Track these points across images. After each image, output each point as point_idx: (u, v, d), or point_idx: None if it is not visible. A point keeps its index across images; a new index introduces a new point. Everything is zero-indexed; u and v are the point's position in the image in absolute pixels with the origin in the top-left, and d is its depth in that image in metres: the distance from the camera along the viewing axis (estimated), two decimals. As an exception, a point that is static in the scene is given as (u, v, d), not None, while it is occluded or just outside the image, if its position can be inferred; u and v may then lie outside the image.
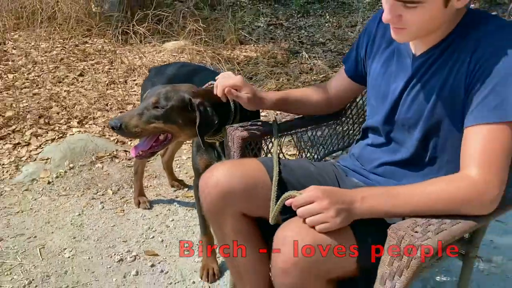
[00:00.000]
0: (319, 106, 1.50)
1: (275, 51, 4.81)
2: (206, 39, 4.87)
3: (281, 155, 1.52)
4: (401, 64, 1.22)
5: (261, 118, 1.67)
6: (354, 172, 1.39)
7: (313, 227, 1.01)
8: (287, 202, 1.06)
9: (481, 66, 1.02)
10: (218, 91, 1.36)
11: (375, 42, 1.32)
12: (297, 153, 1.64)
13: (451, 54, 1.09)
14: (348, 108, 1.67)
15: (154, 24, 4.78)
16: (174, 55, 4.50)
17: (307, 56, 4.50)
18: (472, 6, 6.72)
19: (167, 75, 1.98)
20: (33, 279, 1.77)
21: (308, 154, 1.65)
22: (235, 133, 1.44)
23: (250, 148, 1.47)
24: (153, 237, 2.07)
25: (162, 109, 1.48)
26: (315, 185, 1.05)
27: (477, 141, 1.03)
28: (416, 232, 0.98)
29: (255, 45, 5.02)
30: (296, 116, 1.55)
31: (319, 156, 1.67)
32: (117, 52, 4.36)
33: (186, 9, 6.04)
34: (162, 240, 2.05)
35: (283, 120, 1.53)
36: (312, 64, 4.41)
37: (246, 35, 5.24)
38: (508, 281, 1.88)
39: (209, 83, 1.57)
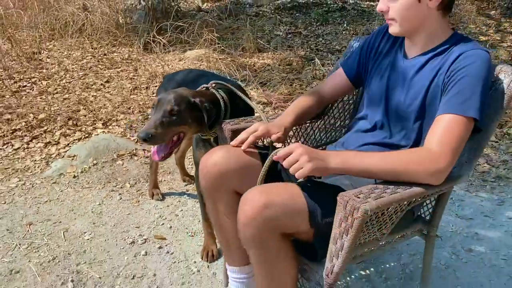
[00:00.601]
0: (316, 109, 1.72)
1: (291, 58, 5.03)
2: (226, 47, 5.15)
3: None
4: (397, 66, 1.48)
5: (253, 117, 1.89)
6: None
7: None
8: (275, 158, 1.28)
9: (456, 73, 1.30)
10: (244, 145, 1.45)
11: (378, 49, 1.58)
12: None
13: (438, 62, 1.37)
14: (336, 106, 1.88)
15: (177, 34, 5.09)
16: (195, 63, 4.78)
17: (320, 63, 4.69)
18: (492, 12, 6.76)
19: (177, 81, 2.23)
20: (56, 256, 2.04)
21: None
22: (226, 126, 1.67)
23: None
24: (163, 224, 2.31)
25: (177, 114, 1.67)
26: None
27: (442, 125, 1.28)
28: (359, 197, 1.17)
29: (272, 53, 5.26)
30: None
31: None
32: (142, 60, 4.68)
33: (210, 20, 6.35)
34: (171, 227, 2.28)
35: (272, 119, 1.75)
36: (325, 70, 4.60)
37: (264, 43, 5.48)
38: (484, 268, 2.02)
39: (202, 86, 1.80)
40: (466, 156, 1.39)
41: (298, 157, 1.22)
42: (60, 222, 2.31)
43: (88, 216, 2.37)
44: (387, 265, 2.03)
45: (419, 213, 1.62)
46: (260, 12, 7.34)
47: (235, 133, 1.64)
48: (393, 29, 1.41)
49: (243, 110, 1.81)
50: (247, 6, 7.83)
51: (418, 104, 1.39)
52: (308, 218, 1.25)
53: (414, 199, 1.33)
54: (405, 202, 1.31)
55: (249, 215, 1.21)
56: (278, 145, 1.54)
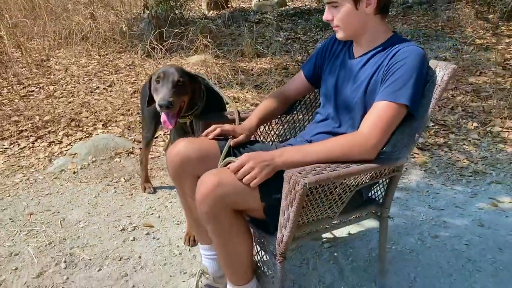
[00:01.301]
0: (282, 109, 1.93)
1: (288, 63, 5.21)
2: (226, 53, 5.36)
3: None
4: (346, 64, 1.68)
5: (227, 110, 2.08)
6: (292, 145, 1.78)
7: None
8: (227, 167, 1.45)
9: (393, 66, 1.50)
10: (208, 130, 1.69)
11: (331, 52, 1.79)
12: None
13: (378, 59, 1.57)
14: (302, 103, 2.06)
15: (178, 40, 5.31)
16: (195, 68, 4.99)
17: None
18: (490, 16, 6.85)
19: None
20: (52, 241, 2.24)
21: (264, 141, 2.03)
22: (200, 121, 1.86)
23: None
24: (152, 214, 2.51)
25: (182, 85, 1.84)
26: (245, 153, 1.45)
27: (375, 111, 1.48)
28: (301, 173, 1.35)
29: (271, 58, 5.45)
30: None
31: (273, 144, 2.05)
32: (144, 66, 4.91)
33: (212, 26, 6.58)
34: (159, 216, 2.48)
35: (244, 114, 1.94)
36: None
37: (264, 48, 5.68)
38: (446, 251, 2.17)
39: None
40: (405, 141, 1.55)
41: (249, 170, 1.39)
42: (59, 212, 2.52)
43: (84, 207, 2.57)
44: (356, 249, 2.19)
45: (372, 196, 1.79)
46: (263, 19, 7.55)
47: (208, 126, 1.84)
48: (339, 35, 1.61)
49: (213, 104, 2.00)
50: (252, 13, 8.06)
51: (360, 96, 1.57)
52: (259, 195, 1.43)
53: (360, 180, 1.51)
54: (351, 182, 1.49)
55: (203, 193, 1.39)
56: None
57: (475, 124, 3.69)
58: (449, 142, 3.43)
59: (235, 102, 4.08)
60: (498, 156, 3.26)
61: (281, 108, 1.91)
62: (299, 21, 7.40)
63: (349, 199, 1.54)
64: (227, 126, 1.71)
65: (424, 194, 2.76)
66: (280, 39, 6.29)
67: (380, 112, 1.45)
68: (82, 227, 2.38)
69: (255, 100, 4.09)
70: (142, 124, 2.53)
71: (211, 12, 8.19)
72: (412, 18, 6.86)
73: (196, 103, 1.95)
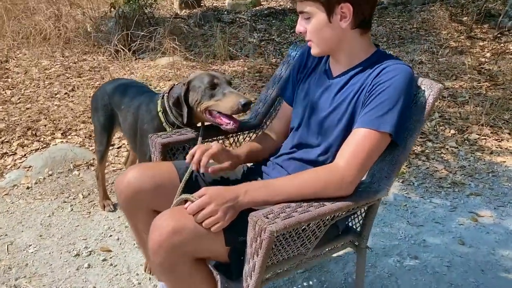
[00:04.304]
0: (270, 149, 1.67)
1: (261, 66, 5.04)
2: (197, 55, 5.16)
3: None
4: (322, 83, 1.49)
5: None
6: (262, 172, 1.60)
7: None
8: (184, 207, 1.23)
9: (376, 88, 1.31)
10: (194, 160, 1.38)
11: (305, 68, 1.59)
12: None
13: (360, 79, 1.38)
14: (269, 117, 1.88)
15: (147, 41, 5.08)
16: (164, 70, 4.77)
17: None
18: (464, 19, 6.82)
19: (107, 91, 2.26)
20: (-4, 270, 2.02)
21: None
22: (157, 140, 1.66)
23: (172, 153, 1.69)
24: (111, 236, 2.30)
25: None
26: (206, 187, 1.25)
27: (354, 139, 1.29)
28: (267, 218, 1.17)
29: (244, 60, 5.27)
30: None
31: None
32: (111, 68, 4.66)
33: (184, 26, 6.36)
34: (118, 238, 2.27)
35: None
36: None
37: (236, 50, 5.49)
38: (426, 275, 2.03)
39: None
40: (386, 171, 1.39)
41: (210, 213, 1.19)
42: (6, 235, 2.29)
43: (36, 229, 2.34)
44: (331, 274, 2.04)
45: (350, 225, 1.63)
46: (237, 19, 7.36)
47: (166, 146, 1.65)
48: (313, 50, 1.42)
49: None
50: (225, 13, 7.85)
51: (338, 121, 1.39)
52: (223, 239, 1.25)
53: (335, 214, 1.34)
54: (328, 217, 1.32)
55: (156, 242, 1.18)
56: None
57: (452, 131, 3.59)
58: (426, 151, 3.32)
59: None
60: (476, 165, 3.16)
61: (269, 149, 1.66)
62: (273, 21, 7.24)
63: (323, 233, 1.37)
64: (215, 148, 1.42)
65: (402, 208, 2.62)
66: (254, 41, 6.11)
67: (360, 142, 1.27)
68: (32, 252, 2.15)
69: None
70: (94, 138, 2.32)
71: (183, 11, 7.94)
72: (387, 19, 6.77)
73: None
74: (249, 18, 7.40)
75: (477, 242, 2.30)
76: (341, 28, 1.33)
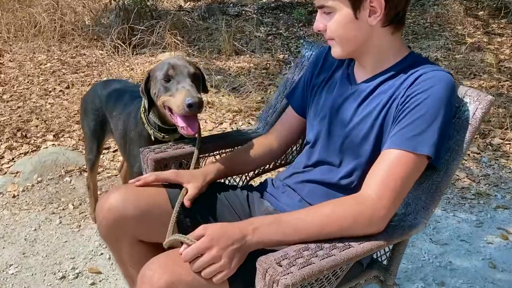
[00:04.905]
0: (263, 160, 1.47)
1: (269, 62, 4.79)
2: (202, 49, 4.91)
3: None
4: (344, 91, 1.24)
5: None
6: (270, 195, 1.36)
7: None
8: (179, 252, 1.00)
9: (411, 99, 1.07)
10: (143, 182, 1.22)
11: (321, 73, 1.34)
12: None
13: (390, 87, 1.14)
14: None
15: (148, 35, 4.83)
16: (166, 67, 4.52)
17: (296, 67, 4.45)
18: (480, 13, 6.54)
19: (100, 93, 2.03)
20: (-29, 296, 1.79)
21: (235, 176, 1.61)
22: (149, 155, 1.42)
23: (167, 169, 1.45)
24: (101, 254, 2.07)
25: (199, 77, 1.46)
26: (204, 226, 1.02)
27: (385, 163, 1.06)
28: (281, 266, 0.94)
29: (250, 56, 5.01)
30: (218, 136, 1.53)
31: (248, 177, 1.63)
32: (110, 64, 4.42)
33: (188, 20, 6.11)
34: (110, 257, 2.04)
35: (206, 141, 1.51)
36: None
37: (242, 45, 5.24)
38: (456, 307, 1.80)
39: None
40: (423, 200, 1.15)
41: (212, 260, 0.96)
42: (-14, 252, 2.07)
43: (19, 245, 2.12)
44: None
45: (374, 257, 1.39)
46: (243, 12, 7.09)
47: (159, 162, 1.41)
48: (334, 52, 1.19)
49: None
50: (231, 5, 7.58)
51: (364, 137, 1.15)
52: None
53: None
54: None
55: None
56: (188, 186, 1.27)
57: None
58: (447, 157, 3.06)
59: (209, 107, 3.64)
60: (501, 173, 2.91)
61: (262, 159, 1.45)
62: (280, 15, 6.96)
63: (345, 273, 1.14)
64: (168, 173, 1.25)
65: (423, 224, 2.38)
66: (261, 35, 5.85)
67: (393, 166, 1.04)
68: (13, 274, 1.93)
69: (232, 106, 3.65)
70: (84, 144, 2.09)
71: (187, 4, 7.68)
72: (400, 13, 6.49)
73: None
74: (255, 11, 7.13)
75: (510, 264, 2.06)
76: (370, 26, 1.10)
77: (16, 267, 1.97)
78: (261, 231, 1.01)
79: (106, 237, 1.22)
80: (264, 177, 1.67)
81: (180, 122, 1.40)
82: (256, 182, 1.59)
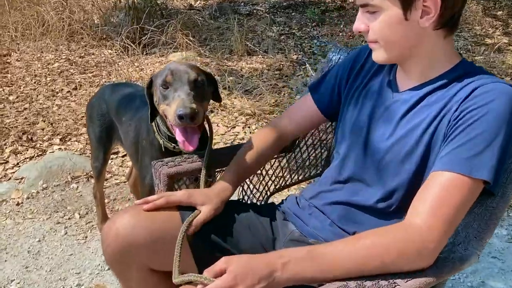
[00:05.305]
0: (275, 148, 1.34)
1: (282, 63, 4.64)
2: (213, 50, 4.78)
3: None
4: (384, 99, 1.11)
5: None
6: (295, 216, 1.22)
7: None
8: None
9: (465, 115, 0.93)
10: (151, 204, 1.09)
11: (358, 76, 1.20)
12: (239, 191, 1.47)
13: (440, 99, 1.00)
14: (302, 140, 1.50)
15: (158, 35, 4.71)
16: (177, 67, 4.40)
17: (310, 69, 4.31)
18: (499, 13, 6.35)
19: (107, 97, 1.91)
20: (-31, 315, 1.68)
21: (255, 191, 1.47)
22: (162, 169, 1.29)
23: (179, 185, 1.32)
24: (109, 269, 1.94)
25: (203, 85, 1.31)
26: (225, 258, 0.89)
27: (436, 187, 0.91)
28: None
29: (263, 56, 4.87)
30: (233, 147, 1.39)
31: (268, 193, 1.49)
32: (119, 64, 4.30)
33: (199, 19, 5.98)
34: (117, 273, 1.91)
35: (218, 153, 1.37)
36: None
37: (253, 45, 5.10)
38: (494, 335, 1.65)
39: None
40: (476, 229, 1.00)
41: None
42: (-13, 265, 1.95)
43: (22, 258, 2.00)
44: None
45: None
46: (254, 11, 6.95)
47: (173, 178, 1.28)
48: (377, 56, 1.05)
49: None
50: (242, 4, 7.45)
51: (406, 155, 1.01)
52: None
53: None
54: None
55: None
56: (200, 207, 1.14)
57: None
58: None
59: (221, 110, 3.50)
60: (530, 183, 2.74)
61: (273, 152, 1.34)
62: (293, 14, 6.81)
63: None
64: (180, 195, 1.12)
65: (450, 238, 2.23)
66: (273, 35, 5.71)
67: (445, 191, 0.89)
68: (14, 290, 1.81)
69: (244, 109, 3.51)
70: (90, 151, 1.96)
71: (198, 2, 7.56)
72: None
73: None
74: (267, 10, 6.99)
75: (548, 286, 1.91)
76: (421, 28, 0.96)
77: (18, 283, 1.85)
78: (293, 266, 0.87)
79: (113, 265, 1.10)
80: (284, 192, 1.53)
81: (178, 136, 1.26)
82: (276, 198, 1.45)
